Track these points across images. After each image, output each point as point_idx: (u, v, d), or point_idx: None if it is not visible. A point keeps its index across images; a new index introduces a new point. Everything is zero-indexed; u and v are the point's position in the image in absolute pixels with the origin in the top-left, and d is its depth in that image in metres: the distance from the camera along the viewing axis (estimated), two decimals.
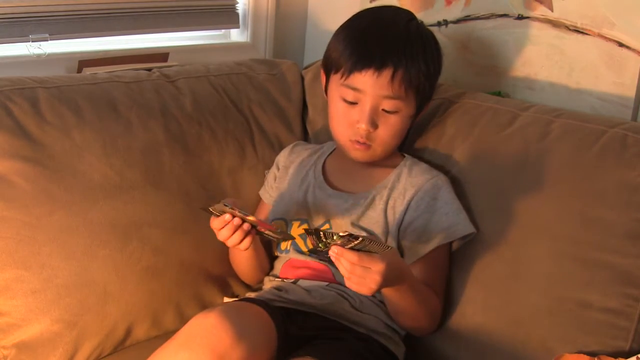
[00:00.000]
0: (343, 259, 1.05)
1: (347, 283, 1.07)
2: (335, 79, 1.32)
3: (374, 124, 1.29)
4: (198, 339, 1.04)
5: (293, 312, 1.24)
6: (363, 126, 1.29)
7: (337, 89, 1.32)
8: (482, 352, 1.27)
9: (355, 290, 1.08)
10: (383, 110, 1.29)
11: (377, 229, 1.30)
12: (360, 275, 1.06)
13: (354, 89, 1.29)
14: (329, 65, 1.34)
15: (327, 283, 1.29)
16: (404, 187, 1.33)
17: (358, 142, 1.31)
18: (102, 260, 1.26)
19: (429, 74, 1.31)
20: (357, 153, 1.34)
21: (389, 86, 1.27)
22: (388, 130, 1.31)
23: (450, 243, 1.31)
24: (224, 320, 1.05)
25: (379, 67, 1.26)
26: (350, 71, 1.28)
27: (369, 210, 1.32)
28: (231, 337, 1.04)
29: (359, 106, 1.29)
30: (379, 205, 1.32)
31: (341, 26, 1.36)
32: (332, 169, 1.42)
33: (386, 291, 1.17)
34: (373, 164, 1.37)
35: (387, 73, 1.26)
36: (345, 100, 1.31)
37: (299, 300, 1.26)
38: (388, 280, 1.08)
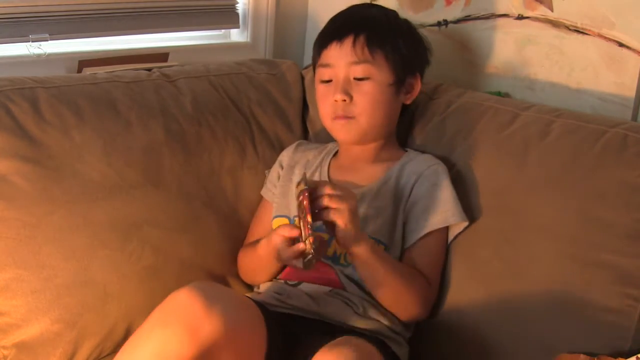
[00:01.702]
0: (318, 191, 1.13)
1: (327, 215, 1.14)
2: (315, 67, 1.40)
3: (347, 94, 1.33)
4: (171, 315, 1.03)
5: (296, 318, 1.24)
6: (338, 96, 1.32)
7: (316, 74, 1.39)
8: (482, 351, 1.27)
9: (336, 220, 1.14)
10: (355, 78, 1.33)
11: (385, 219, 1.30)
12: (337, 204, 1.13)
13: (325, 65, 1.36)
14: (313, 60, 1.42)
15: (330, 288, 1.28)
16: (408, 175, 1.34)
17: (339, 116, 1.34)
18: (102, 260, 1.26)
19: (397, 44, 1.35)
20: (342, 132, 1.36)
21: (352, 52, 1.32)
22: (365, 98, 1.33)
23: (447, 235, 1.32)
24: (195, 293, 1.03)
25: (340, 37, 1.34)
26: (319, 52, 1.37)
27: (376, 201, 1.32)
28: (202, 308, 1.01)
29: (333, 84, 1.35)
30: (386, 195, 1.32)
31: None
32: (337, 169, 1.42)
33: (359, 249, 1.19)
34: (376, 158, 1.38)
35: (348, 40, 1.33)
36: (322, 81, 1.37)
37: (302, 307, 1.26)
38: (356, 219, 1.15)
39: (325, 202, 1.14)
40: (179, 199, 1.38)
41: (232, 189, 1.47)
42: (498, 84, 1.61)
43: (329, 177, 1.40)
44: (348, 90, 1.33)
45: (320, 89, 1.38)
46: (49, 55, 1.49)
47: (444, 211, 1.30)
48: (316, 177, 1.41)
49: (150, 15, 1.65)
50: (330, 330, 1.21)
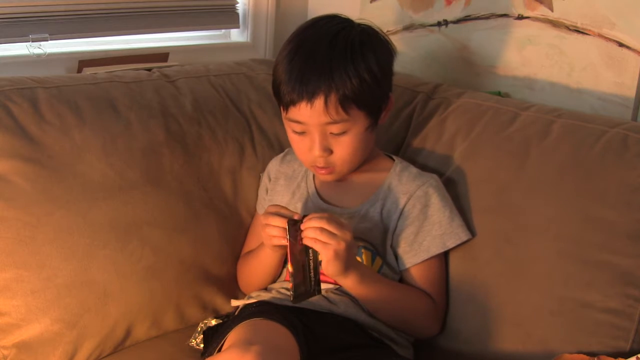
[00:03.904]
0: (312, 221, 1.15)
1: (312, 243, 1.16)
2: (282, 109, 1.30)
3: (327, 150, 1.27)
4: None
5: (307, 312, 1.24)
6: (317, 153, 1.27)
7: (285, 121, 1.31)
8: (483, 352, 1.27)
9: (320, 250, 1.16)
10: (332, 134, 1.26)
11: (375, 240, 1.30)
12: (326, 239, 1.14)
13: (296, 121, 1.27)
14: (274, 95, 1.32)
15: (338, 286, 1.28)
16: (395, 196, 1.32)
17: (319, 167, 1.30)
18: (102, 260, 1.26)
19: (367, 84, 1.24)
20: (324, 177, 1.33)
21: (325, 114, 1.23)
22: (344, 150, 1.28)
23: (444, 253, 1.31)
24: None
25: (309, 97, 1.22)
26: (287, 106, 1.26)
27: (363, 223, 1.31)
28: None
29: (308, 135, 1.27)
30: (373, 217, 1.31)
31: (281, 48, 1.30)
32: (323, 181, 1.39)
33: (346, 282, 1.21)
34: (361, 170, 1.35)
35: (319, 102, 1.22)
36: (294, 132, 1.29)
37: (314, 301, 1.25)
38: (350, 255, 1.17)
39: (316, 233, 1.15)
40: (179, 199, 1.38)
41: (232, 189, 1.46)
42: (498, 84, 1.61)
43: (315, 187, 1.38)
44: (328, 146, 1.27)
45: (294, 138, 1.30)
46: (49, 55, 1.49)
47: (439, 235, 1.29)
48: (302, 187, 1.39)
49: (150, 15, 1.65)
50: (341, 325, 1.23)
